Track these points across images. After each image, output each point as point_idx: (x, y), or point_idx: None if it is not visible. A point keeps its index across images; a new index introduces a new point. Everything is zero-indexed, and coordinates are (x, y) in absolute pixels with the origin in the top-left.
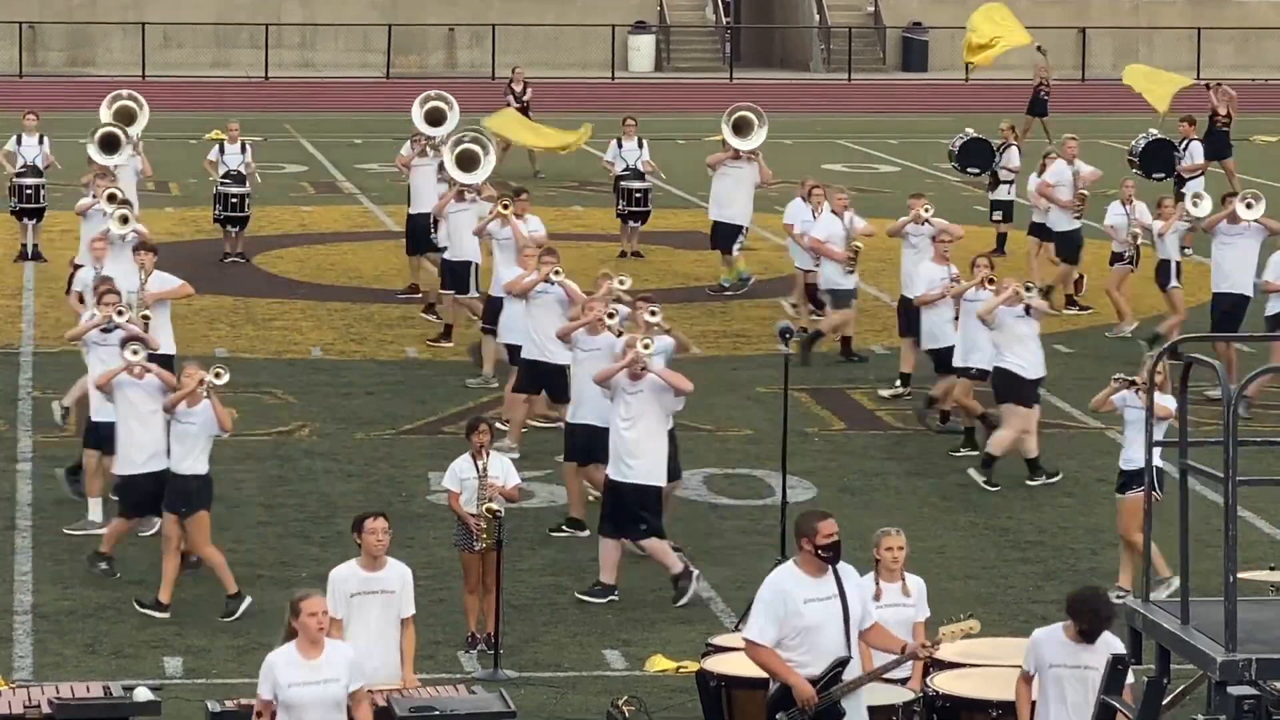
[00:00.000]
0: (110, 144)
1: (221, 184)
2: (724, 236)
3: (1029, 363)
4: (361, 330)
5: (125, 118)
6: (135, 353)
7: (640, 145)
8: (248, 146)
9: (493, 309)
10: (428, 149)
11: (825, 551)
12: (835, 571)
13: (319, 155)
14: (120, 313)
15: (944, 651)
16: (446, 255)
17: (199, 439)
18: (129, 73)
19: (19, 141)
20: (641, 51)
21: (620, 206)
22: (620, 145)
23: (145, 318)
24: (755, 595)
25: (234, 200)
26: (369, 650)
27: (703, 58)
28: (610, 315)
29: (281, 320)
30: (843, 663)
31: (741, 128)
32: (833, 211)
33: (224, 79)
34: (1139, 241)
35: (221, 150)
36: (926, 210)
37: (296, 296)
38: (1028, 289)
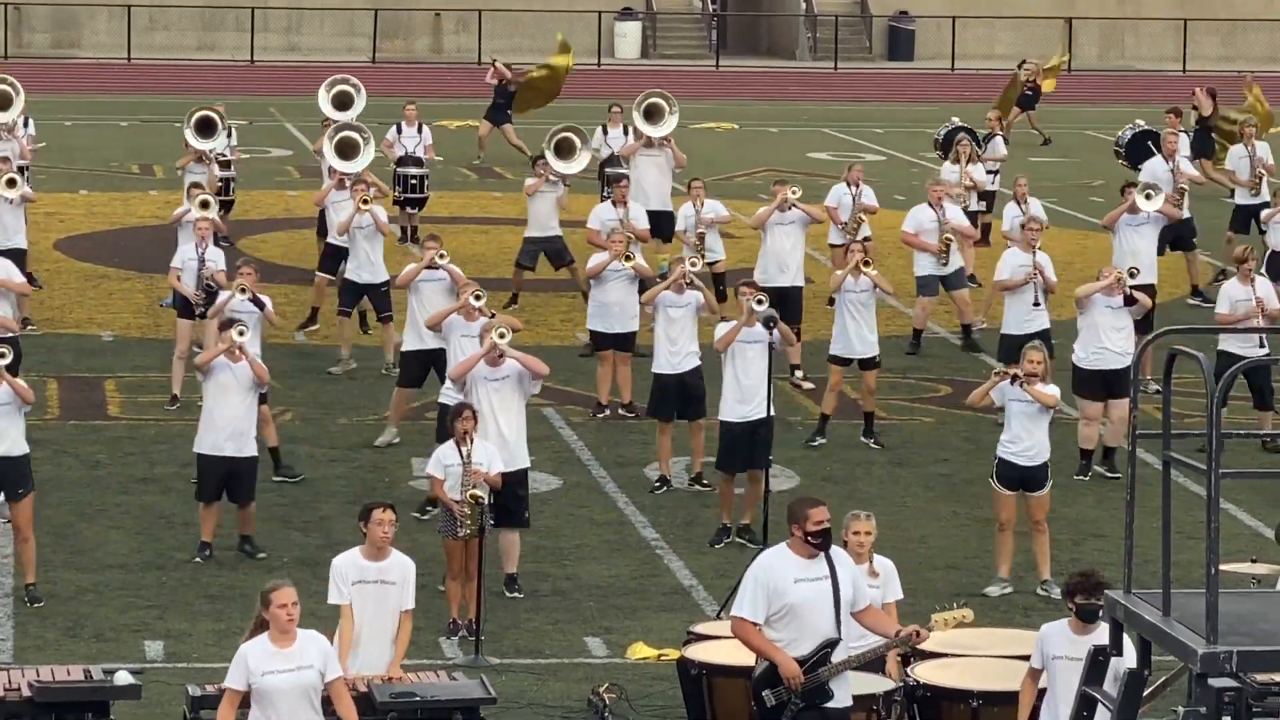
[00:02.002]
0: (206, 127)
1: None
2: (662, 225)
3: (1089, 353)
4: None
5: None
6: (240, 334)
7: (626, 132)
8: (233, 130)
9: (351, 293)
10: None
11: (814, 538)
12: (828, 556)
13: (304, 139)
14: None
15: (925, 641)
16: (330, 239)
17: (13, 418)
18: (114, 55)
19: None
20: (627, 38)
21: (605, 193)
22: (606, 132)
23: None
24: (744, 574)
25: (219, 184)
26: (364, 640)
27: (689, 45)
28: (477, 298)
29: None
30: (831, 644)
31: (653, 114)
32: (928, 204)
33: (209, 62)
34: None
35: None
36: (794, 193)
37: (280, 281)
38: (1131, 274)
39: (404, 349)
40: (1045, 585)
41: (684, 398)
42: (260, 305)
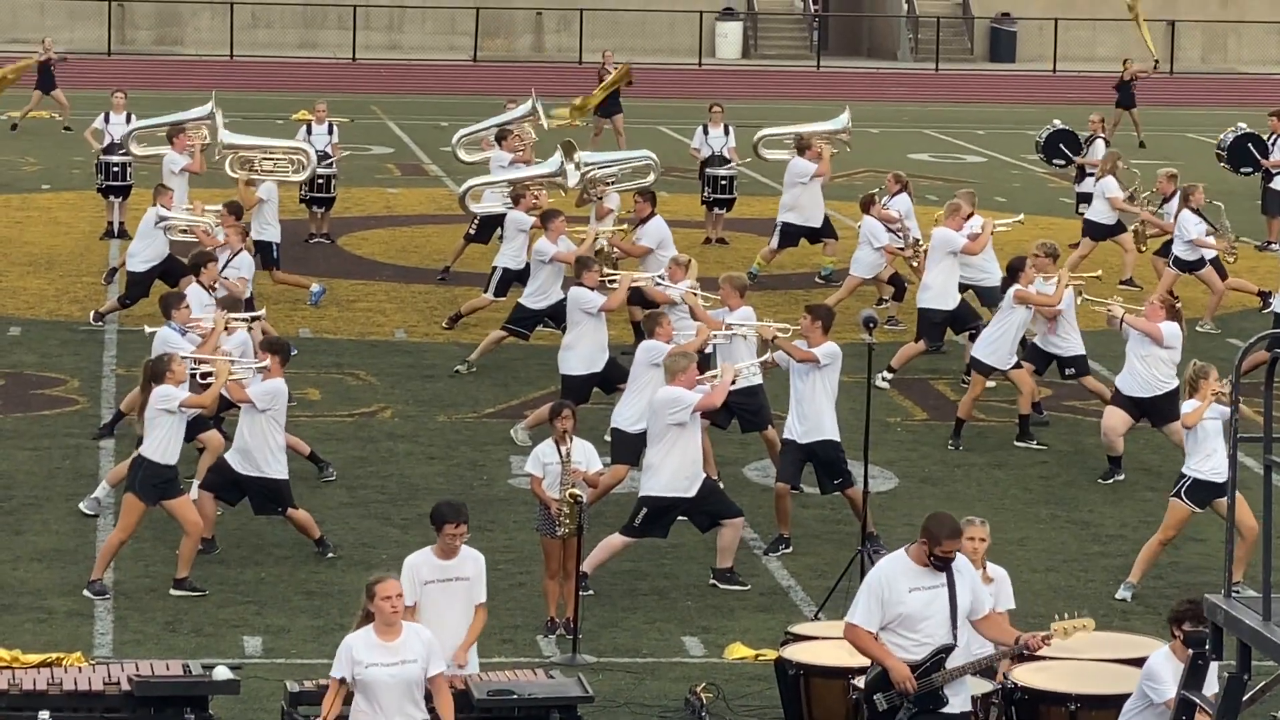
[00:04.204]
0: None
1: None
2: (818, 233)
3: (1134, 378)
4: (445, 313)
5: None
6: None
7: (726, 132)
8: (334, 128)
9: (529, 319)
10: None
11: (938, 562)
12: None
13: (405, 137)
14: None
15: (1046, 649)
16: (507, 265)
17: (180, 427)
18: (217, 52)
19: (107, 120)
20: (729, 38)
21: (705, 193)
22: (706, 132)
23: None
24: (864, 579)
25: (320, 181)
26: (450, 638)
27: (790, 45)
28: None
29: (365, 302)
30: (945, 650)
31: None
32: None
33: (311, 60)
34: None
35: (308, 131)
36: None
37: (381, 278)
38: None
39: (567, 373)
40: (1238, 586)
41: (739, 414)
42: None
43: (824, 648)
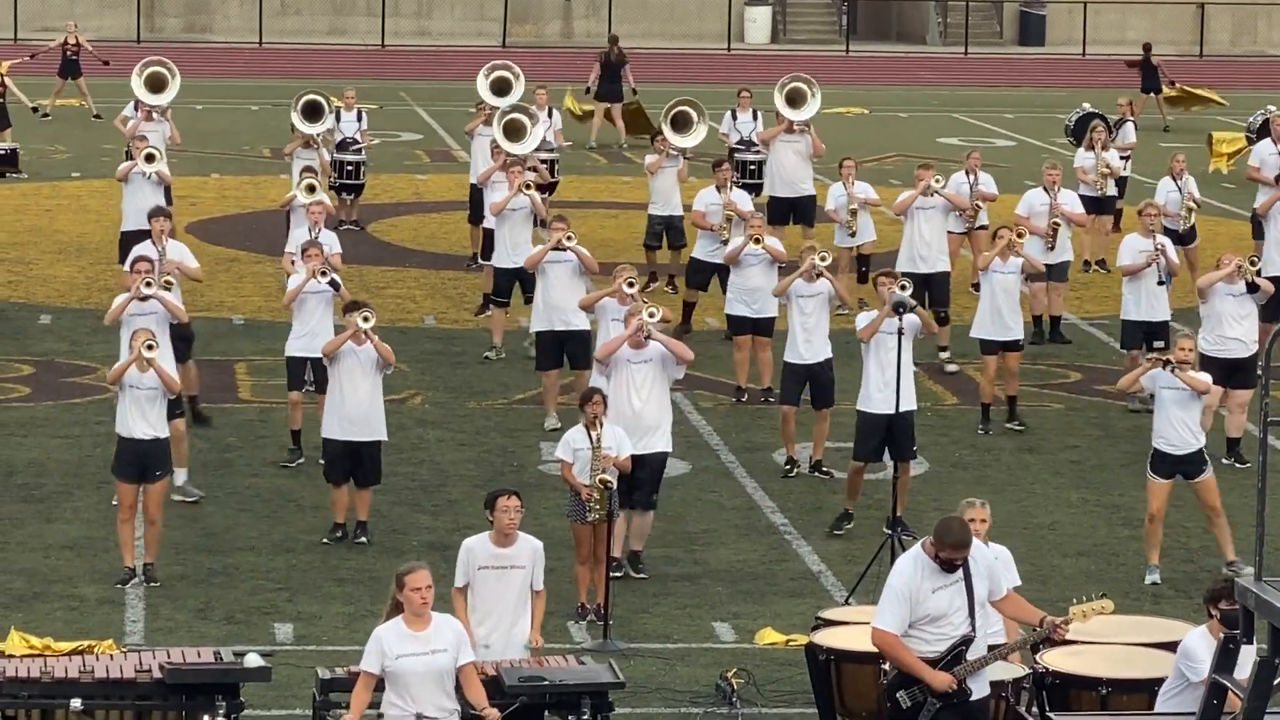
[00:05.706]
0: (313, 111)
1: (337, 151)
2: (803, 211)
3: (1213, 342)
4: (475, 300)
5: (156, 85)
6: (366, 320)
7: (755, 117)
8: (363, 114)
9: (506, 279)
10: (492, 120)
11: (943, 564)
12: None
13: (434, 124)
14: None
15: (1066, 633)
16: (486, 224)
17: (160, 403)
18: (246, 39)
19: (136, 107)
20: (758, 23)
21: (735, 177)
22: (735, 117)
23: (168, 284)
24: (885, 583)
25: (349, 168)
26: (502, 624)
27: (819, 30)
28: (630, 284)
29: (395, 289)
30: (966, 642)
31: (795, 99)
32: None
33: (340, 46)
34: (1190, 218)
35: (338, 118)
36: (937, 182)
37: (410, 265)
38: (1253, 262)
39: (534, 330)
40: (1232, 566)
41: (813, 386)
42: (336, 287)
43: (855, 633)
